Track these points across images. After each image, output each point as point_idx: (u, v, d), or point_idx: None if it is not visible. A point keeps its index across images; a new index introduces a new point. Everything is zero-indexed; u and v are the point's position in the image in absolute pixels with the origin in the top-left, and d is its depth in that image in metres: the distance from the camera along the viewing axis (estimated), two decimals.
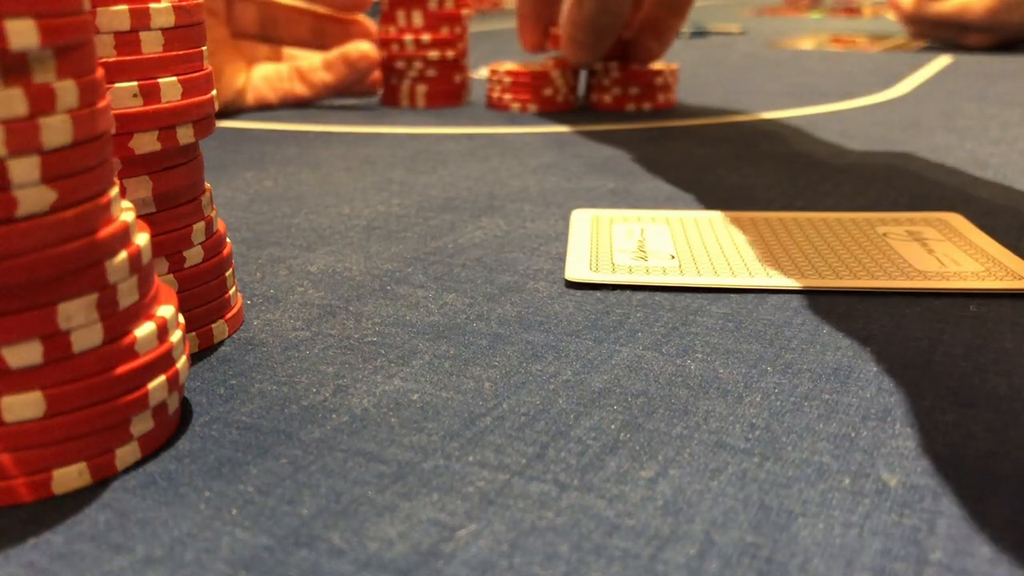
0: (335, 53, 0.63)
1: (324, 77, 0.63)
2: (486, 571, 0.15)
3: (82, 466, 0.18)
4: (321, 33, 0.63)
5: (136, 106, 0.21)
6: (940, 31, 1.01)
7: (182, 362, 0.19)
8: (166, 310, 0.19)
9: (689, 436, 0.19)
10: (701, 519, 0.16)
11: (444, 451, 0.19)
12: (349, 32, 0.64)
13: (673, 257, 0.30)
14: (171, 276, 0.23)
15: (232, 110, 0.62)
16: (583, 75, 0.73)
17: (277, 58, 0.66)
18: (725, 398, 0.21)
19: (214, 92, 0.23)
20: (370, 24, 0.65)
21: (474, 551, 0.16)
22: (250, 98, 0.63)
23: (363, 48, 0.62)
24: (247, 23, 0.61)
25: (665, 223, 0.34)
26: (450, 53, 0.64)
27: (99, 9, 0.21)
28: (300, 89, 0.64)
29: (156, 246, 0.22)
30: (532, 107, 0.62)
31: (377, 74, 0.65)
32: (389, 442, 0.19)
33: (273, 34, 0.62)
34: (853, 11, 1.70)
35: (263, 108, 0.63)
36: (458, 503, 0.17)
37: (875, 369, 0.22)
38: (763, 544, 0.16)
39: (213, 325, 0.24)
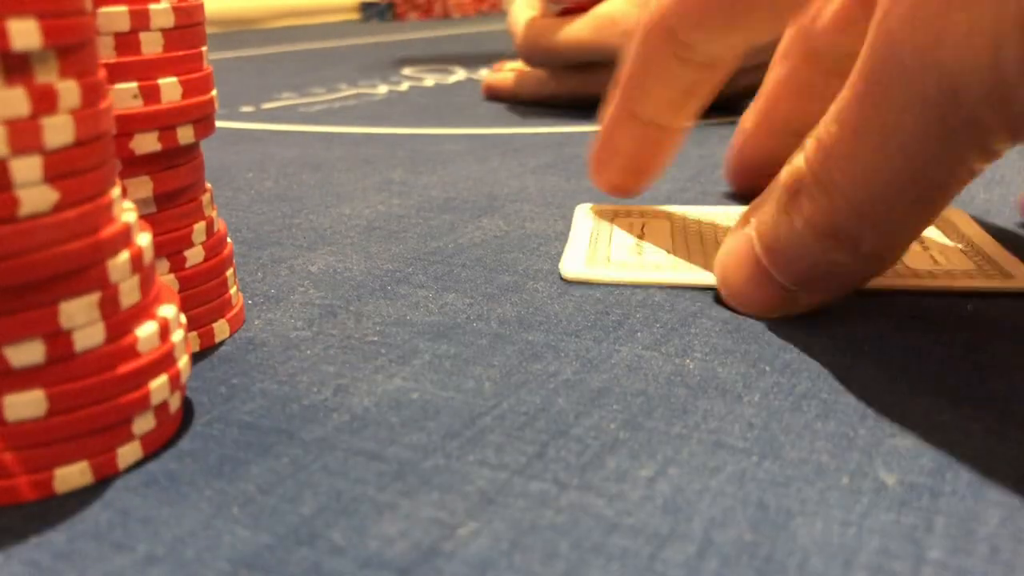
0: None
1: None
2: (486, 569, 0.15)
3: (84, 465, 0.18)
4: None
5: (136, 107, 0.21)
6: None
7: (183, 362, 0.20)
8: (168, 310, 0.19)
9: (688, 435, 0.19)
10: (700, 518, 0.16)
11: (444, 450, 0.19)
12: None
13: (670, 253, 0.30)
14: (172, 276, 0.23)
15: None
16: None
17: None
18: (724, 397, 0.21)
19: (214, 92, 0.24)
20: None
21: (474, 549, 0.16)
22: None
23: None
24: None
25: (666, 219, 0.34)
26: None
27: (99, 10, 0.21)
28: None
29: (157, 246, 0.22)
30: None
31: None
32: (389, 441, 0.19)
33: None
34: None
35: None
36: (458, 502, 0.17)
37: (873, 369, 0.22)
38: (762, 543, 0.16)
39: (214, 325, 0.24)
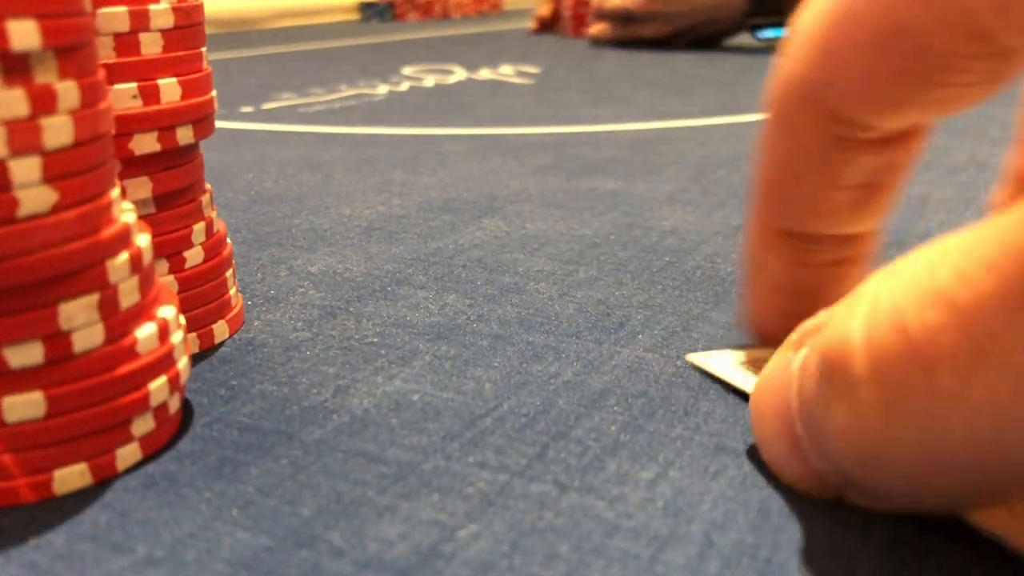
0: None
1: None
2: (486, 571, 0.15)
3: (83, 466, 0.18)
4: None
5: (136, 107, 0.21)
6: (617, 26, 1.06)
7: (183, 363, 0.19)
8: (167, 311, 0.19)
9: (689, 438, 0.19)
10: (701, 520, 0.16)
11: (444, 452, 0.19)
12: None
13: None
14: (171, 277, 0.23)
15: None
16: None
17: None
18: (725, 400, 0.21)
19: (214, 92, 0.23)
20: None
21: (474, 551, 0.16)
22: None
23: None
24: None
25: None
26: None
27: (98, 10, 0.21)
28: None
29: (156, 247, 0.22)
30: None
31: None
32: (390, 443, 0.19)
33: None
34: None
35: None
36: (458, 504, 0.17)
37: None
38: (762, 545, 0.16)
39: (214, 326, 0.24)
